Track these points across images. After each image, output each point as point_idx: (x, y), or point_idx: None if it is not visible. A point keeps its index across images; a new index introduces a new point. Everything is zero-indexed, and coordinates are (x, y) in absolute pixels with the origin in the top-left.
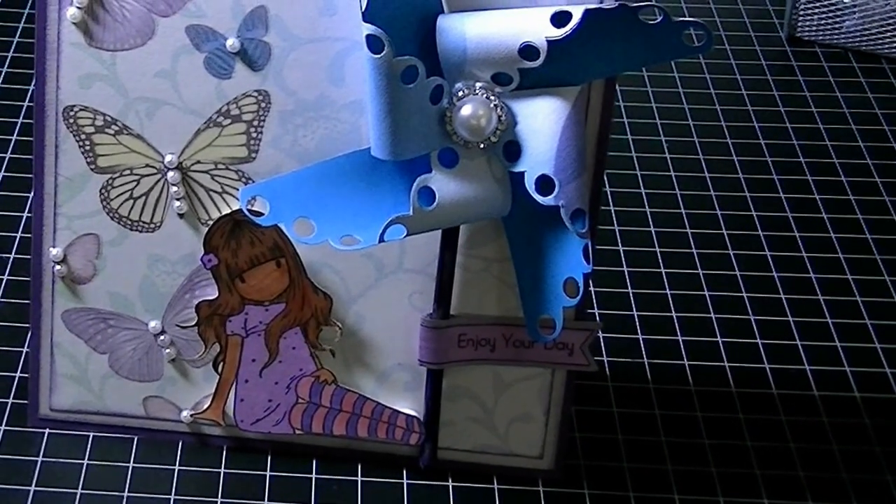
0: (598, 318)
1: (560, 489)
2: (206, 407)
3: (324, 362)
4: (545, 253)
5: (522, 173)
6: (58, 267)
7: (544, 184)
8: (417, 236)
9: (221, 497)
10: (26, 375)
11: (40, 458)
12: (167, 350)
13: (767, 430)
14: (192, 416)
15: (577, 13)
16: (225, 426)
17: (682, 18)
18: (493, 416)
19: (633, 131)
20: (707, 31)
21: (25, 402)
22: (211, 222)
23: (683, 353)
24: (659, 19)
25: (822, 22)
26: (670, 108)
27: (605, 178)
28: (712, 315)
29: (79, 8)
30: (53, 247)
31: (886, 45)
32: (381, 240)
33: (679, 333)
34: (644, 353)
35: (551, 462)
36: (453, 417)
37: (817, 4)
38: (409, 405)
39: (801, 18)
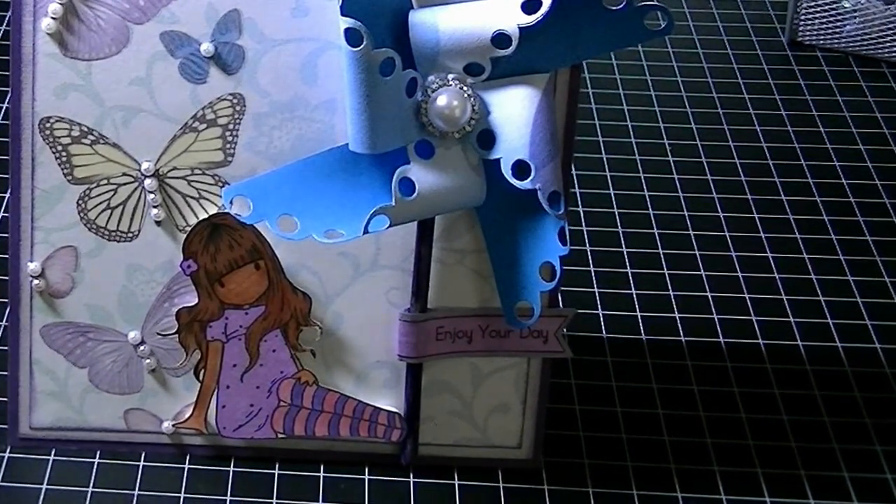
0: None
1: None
2: (187, 416)
3: (304, 363)
4: (520, 240)
5: (496, 162)
6: (36, 282)
7: (520, 169)
8: (392, 233)
9: (231, 496)
10: (5, 399)
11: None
12: (147, 360)
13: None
14: (173, 426)
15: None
16: (207, 434)
17: (643, 3)
18: (471, 409)
19: (637, 134)
20: (668, 14)
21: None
22: (189, 228)
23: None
24: (621, 5)
25: (823, 26)
26: (673, 111)
27: (609, 181)
28: (715, 316)
29: (54, 18)
30: (31, 261)
31: (886, 49)
32: (366, 231)
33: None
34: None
35: (529, 451)
36: (433, 413)
37: (818, 9)
38: (390, 402)
39: (802, 23)
